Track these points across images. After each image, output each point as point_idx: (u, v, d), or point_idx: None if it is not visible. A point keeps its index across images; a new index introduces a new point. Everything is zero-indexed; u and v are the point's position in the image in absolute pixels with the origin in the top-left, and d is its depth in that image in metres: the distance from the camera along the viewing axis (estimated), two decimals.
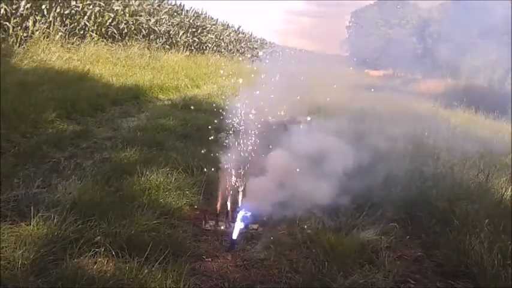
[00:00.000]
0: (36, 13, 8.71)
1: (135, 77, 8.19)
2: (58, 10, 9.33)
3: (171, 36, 15.49)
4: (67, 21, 9.68)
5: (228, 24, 22.64)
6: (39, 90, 5.30)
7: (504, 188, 3.89)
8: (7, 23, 7.97)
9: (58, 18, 9.30)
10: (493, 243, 2.65)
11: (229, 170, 2.99)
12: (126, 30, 12.29)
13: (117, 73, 8.18)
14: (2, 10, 7.87)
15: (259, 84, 3.43)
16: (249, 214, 2.76)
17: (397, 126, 5.13)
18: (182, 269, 2.14)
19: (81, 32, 10.22)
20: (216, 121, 3.72)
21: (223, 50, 20.78)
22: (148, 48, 12.36)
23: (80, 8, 10.13)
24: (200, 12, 19.10)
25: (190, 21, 17.64)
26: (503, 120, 10.75)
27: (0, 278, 1.91)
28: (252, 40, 26.46)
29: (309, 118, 4.34)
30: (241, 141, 3.07)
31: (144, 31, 13.39)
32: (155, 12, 14.55)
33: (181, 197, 3.05)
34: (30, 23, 8.45)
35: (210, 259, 2.43)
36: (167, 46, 14.56)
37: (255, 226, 2.84)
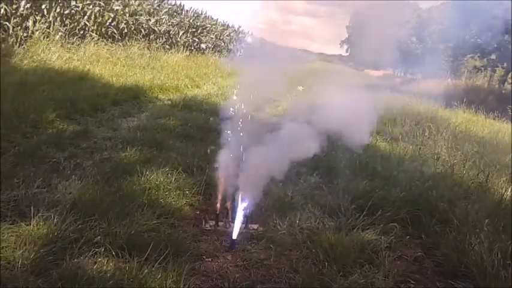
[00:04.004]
0: (36, 13, 8.71)
1: (135, 77, 8.19)
2: (58, 10, 9.33)
3: (171, 36, 15.49)
4: (67, 21, 9.68)
5: (228, 24, 22.65)
6: (39, 90, 5.30)
7: (504, 188, 3.89)
8: (7, 23, 7.97)
9: (58, 18, 9.30)
10: (493, 243, 2.66)
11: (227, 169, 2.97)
12: (126, 30, 12.29)
13: (117, 73, 8.18)
14: (2, 10, 7.87)
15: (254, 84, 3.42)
16: (248, 213, 2.76)
17: None
18: (182, 269, 2.13)
19: (81, 32, 10.23)
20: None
21: (223, 50, 20.77)
22: (148, 48, 12.37)
23: (80, 8, 10.13)
24: (200, 12, 19.12)
25: (190, 21, 17.64)
26: (503, 120, 10.76)
27: (0, 278, 1.91)
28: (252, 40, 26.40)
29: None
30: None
31: (144, 31, 13.39)
32: (155, 12, 14.56)
33: (181, 197, 3.05)
34: (30, 23, 8.46)
35: (210, 259, 2.43)
36: (167, 46, 14.56)
37: (255, 226, 2.84)
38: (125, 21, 12.22)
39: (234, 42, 22.39)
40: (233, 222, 2.71)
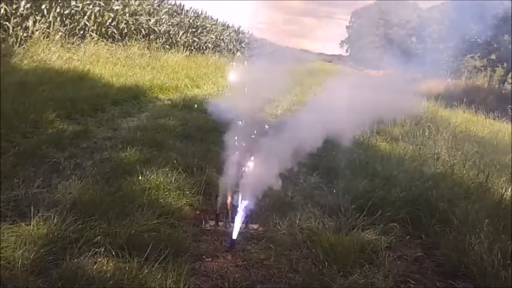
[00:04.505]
0: (36, 13, 8.71)
1: (135, 77, 8.19)
2: (58, 10, 9.34)
3: (171, 36, 15.49)
4: (67, 21, 9.68)
5: (228, 24, 22.65)
6: (39, 90, 5.30)
7: (504, 188, 3.89)
8: (7, 23, 7.97)
9: (58, 18, 9.31)
10: (493, 243, 2.66)
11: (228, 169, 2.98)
12: (126, 30, 12.29)
13: (117, 73, 8.18)
14: (2, 10, 7.87)
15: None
16: (248, 213, 2.76)
17: None
18: (182, 269, 2.13)
19: (81, 32, 10.23)
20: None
21: (223, 50, 20.77)
22: (148, 48, 12.36)
23: (80, 8, 10.13)
24: (200, 12, 19.12)
25: (190, 21, 17.65)
26: (503, 120, 10.77)
27: (0, 278, 1.91)
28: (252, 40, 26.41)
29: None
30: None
31: (144, 31, 13.39)
32: (155, 12, 14.56)
33: (181, 197, 3.05)
34: (30, 23, 8.46)
35: (210, 259, 2.42)
36: (167, 46, 14.56)
37: (255, 226, 2.84)
38: (124, 21, 12.22)
39: (235, 43, 22.43)
40: (233, 222, 2.71)
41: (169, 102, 7.01)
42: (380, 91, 3.53)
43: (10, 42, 7.76)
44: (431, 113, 8.97)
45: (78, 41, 9.66)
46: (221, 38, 20.94)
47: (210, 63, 14.53)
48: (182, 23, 16.72)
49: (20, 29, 8.21)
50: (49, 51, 8.05)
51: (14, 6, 8.19)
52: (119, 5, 11.96)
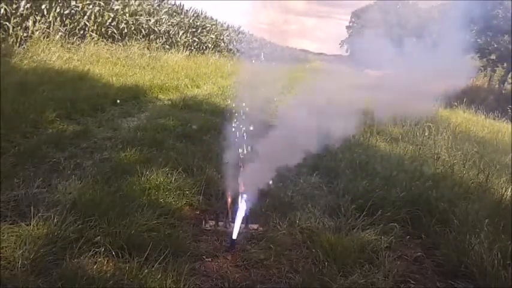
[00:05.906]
0: (36, 13, 8.72)
1: (135, 77, 8.18)
2: (58, 10, 9.35)
3: (171, 36, 15.50)
4: (67, 21, 9.69)
5: (228, 24, 22.65)
6: (39, 90, 5.30)
7: (504, 188, 3.89)
8: (7, 23, 7.98)
9: (58, 18, 9.32)
10: (493, 243, 2.66)
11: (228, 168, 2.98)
12: (126, 30, 12.29)
13: (117, 73, 8.18)
14: (2, 10, 7.88)
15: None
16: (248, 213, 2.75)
17: None
18: (182, 269, 2.13)
19: (81, 32, 10.24)
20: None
21: (223, 50, 20.77)
22: (148, 48, 12.37)
23: (80, 8, 10.14)
24: (200, 12, 19.13)
25: (190, 21, 17.65)
26: (503, 120, 10.78)
27: (0, 278, 1.91)
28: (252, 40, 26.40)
29: None
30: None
31: (144, 31, 13.39)
32: (155, 12, 14.56)
33: (181, 197, 3.05)
34: (30, 23, 8.47)
35: (210, 259, 2.42)
36: (167, 46, 14.57)
37: (255, 226, 2.83)
38: (124, 21, 12.23)
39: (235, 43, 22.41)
40: (233, 222, 2.71)
41: (169, 102, 7.00)
42: (390, 92, 3.53)
43: (10, 42, 7.77)
44: (431, 113, 8.97)
45: (78, 41, 9.67)
46: (221, 38, 20.93)
47: (210, 63, 14.52)
48: (182, 23, 16.73)
49: (20, 29, 8.22)
50: (49, 51, 8.06)
51: (14, 6, 8.21)
52: (119, 5, 11.97)
